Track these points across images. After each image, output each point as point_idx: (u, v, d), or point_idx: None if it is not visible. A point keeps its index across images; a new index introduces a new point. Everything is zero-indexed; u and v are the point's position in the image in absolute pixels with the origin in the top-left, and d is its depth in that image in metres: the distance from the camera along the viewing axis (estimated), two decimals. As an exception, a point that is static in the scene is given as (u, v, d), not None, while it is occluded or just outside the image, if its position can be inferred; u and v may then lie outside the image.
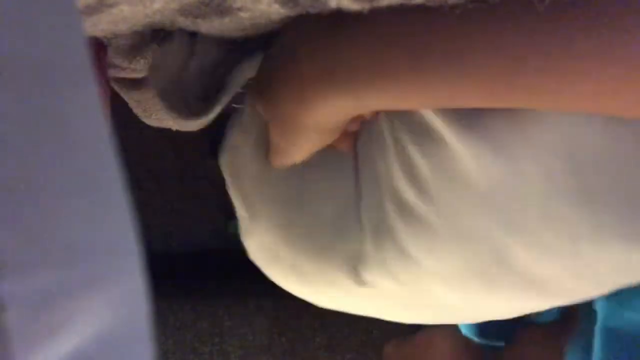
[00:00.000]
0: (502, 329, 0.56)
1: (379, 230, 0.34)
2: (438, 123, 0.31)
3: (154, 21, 0.36)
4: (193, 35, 0.40)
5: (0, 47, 0.14)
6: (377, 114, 0.35)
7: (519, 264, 0.32)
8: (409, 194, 0.33)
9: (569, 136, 0.29)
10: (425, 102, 0.30)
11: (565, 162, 0.29)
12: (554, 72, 0.27)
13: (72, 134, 0.16)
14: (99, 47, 0.41)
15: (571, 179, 0.29)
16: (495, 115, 0.30)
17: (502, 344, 0.56)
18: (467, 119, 0.30)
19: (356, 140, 0.36)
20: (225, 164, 0.41)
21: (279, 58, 0.35)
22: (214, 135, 0.83)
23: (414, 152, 0.32)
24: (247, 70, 0.40)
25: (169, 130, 0.57)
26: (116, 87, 0.52)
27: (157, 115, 0.54)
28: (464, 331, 0.58)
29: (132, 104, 0.55)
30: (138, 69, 0.45)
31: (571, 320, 0.46)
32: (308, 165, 0.36)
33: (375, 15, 0.30)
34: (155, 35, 0.41)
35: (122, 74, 0.48)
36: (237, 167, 0.39)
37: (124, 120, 0.50)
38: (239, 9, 0.33)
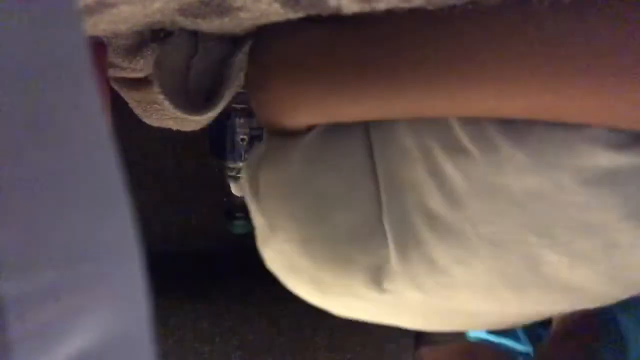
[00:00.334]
0: (531, 334, 0.56)
1: (404, 241, 0.34)
2: (472, 134, 0.32)
3: (154, 21, 0.36)
4: (195, 34, 0.40)
5: (0, 47, 0.14)
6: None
7: (551, 271, 0.33)
8: (440, 205, 0.33)
9: (614, 153, 0.29)
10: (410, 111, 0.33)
11: (605, 172, 0.29)
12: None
13: (73, 134, 0.15)
14: (99, 46, 0.41)
15: (610, 189, 0.30)
16: (535, 124, 0.30)
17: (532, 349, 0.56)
18: (507, 128, 0.31)
19: (371, 151, 0.36)
20: (246, 178, 0.41)
21: (255, 75, 0.38)
22: (214, 135, 0.83)
23: (446, 163, 0.32)
24: (244, 59, 0.41)
25: (169, 130, 0.57)
26: (116, 87, 0.52)
27: (157, 115, 0.54)
28: (495, 340, 0.58)
29: (132, 104, 0.55)
30: (138, 68, 0.45)
31: (589, 318, 0.46)
32: (325, 177, 0.36)
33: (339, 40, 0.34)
34: (155, 35, 0.41)
35: (122, 74, 0.48)
36: (257, 181, 0.39)
37: (124, 120, 0.50)
38: (239, 9, 0.33)
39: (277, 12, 0.33)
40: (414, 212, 0.34)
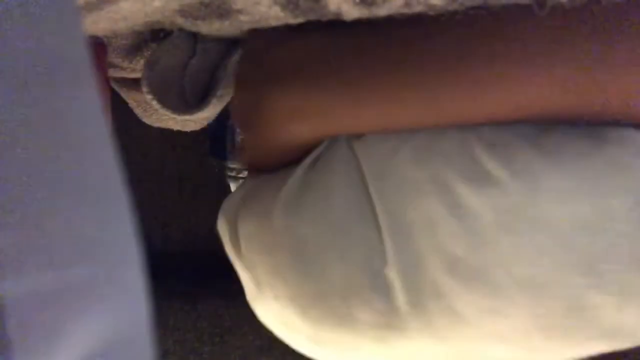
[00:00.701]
0: None
1: (419, 293, 0.29)
2: (500, 158, 0.28)
3: (154, 20, 0.36)
4: (194, 34, 0.40)
5: (1, 45, 0.14)
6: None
7: (596, 314, 0.28)
8: (463, 247, 0.28)
9: None
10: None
11: None
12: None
13: (73, 133, 0.15)
14: (99, 46, 0.41)
15: None
16: (571, 141, 0.27)
17: None
18: (541, 148, 0.27)
19: (366, 188, 0.31)
20: (223, 228, 0.37)
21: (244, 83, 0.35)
22: (214, 136, 0.83)
23: (468, 195, 0.28)
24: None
25: (169, 130, 0.57)
26: (116, 87, 0.52)
27: (157, 115, 0.54)
28: None
29: (132, 104, 0.55)
30: (138, 68, 0.45)
31: None
32: (311, 224, 0.31)
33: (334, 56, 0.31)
34: (155, 35, 0.41)
35: (122, 74, 0.48)
36: (236, 232, 0.35)
37: (124, 120, 0.50)
38: (239, 12, 0.33)
39: (276, 16, 0.33)
40: (428, 257, 0.28)
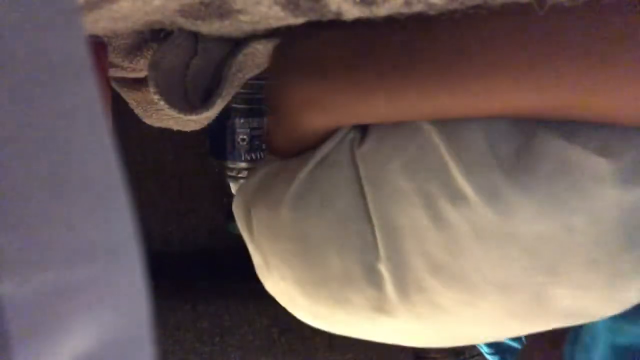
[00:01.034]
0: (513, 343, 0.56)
1: (406, 286, 0.34)
2: (476, 183, 0.31)
3: (154, 20, 0.36)
4: (195, 34, 0.39)
5: (1, 45, 0.14)
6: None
7: (556, 302, 0.33)
8: (444, 253, 0.32)
9: (620, 190, 0.30)
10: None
11: (613, 210, 0.30)
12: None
13: (72, 133, 0.15)
14: (99, 46, 0.41)
15: (617, 225, 0.30)
16: (540, 168, 0.30)
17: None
18: (512, 175, 0.31)
19: (363, 192, 0.34)
20: (239, 211, 0.41)
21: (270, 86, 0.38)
22: (214, 135, 0.83)
23: (449, 211, 0.31)
24: (243, 61, 0.40)
25: (169, 130, 0.57)
26: (116, 87, 0.52)
27: (157, 115, 0.54)
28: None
29: (132, 104, 0.55)
30: (138, 68, 0.45)
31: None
32: (314, 219, 0.35)
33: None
34: (155, 35, 0.41)
35: (123, 74, 0.48)
36: (249, 216, 0.39)
37: (124, 120, 0.50)
38: (239, 12, 0.33)
39: (277, 16, 0.33)
40: (415, 258, 0.33)
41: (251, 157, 0.79)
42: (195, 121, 0.55)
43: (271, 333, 1.03)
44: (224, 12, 0.33)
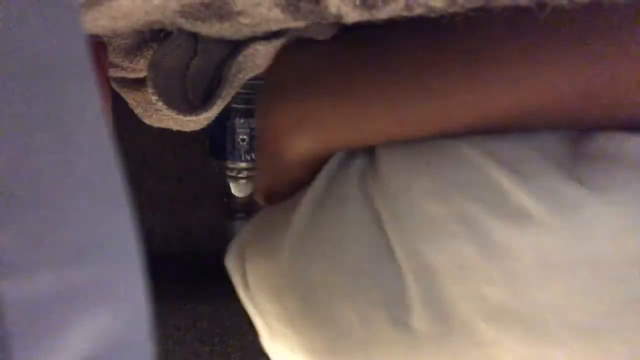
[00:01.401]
0: None
1: (450, 340, 0.26)
2: (536, 191, 0.25)
3: (154, 20, 0.36)
4: (194, 34, 0.40)
5: (1, 44, 0.14)
6: None
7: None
8: (503, 291, 0.25)
9: None
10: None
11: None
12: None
13: (73, 133, 0.15)
14: (99, 46, 0.41)
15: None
16: (614, 168, 0.26)
17: None
18: (583, 177, 0.25)
19: (381, 227, 0.28)
20: (233, 266, 0.35)
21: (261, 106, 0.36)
22: (214, 136, 0.83)
23: (507, 236, 0.24)
24: (243, 62, 0.40)
25: (169, 130, 0.57)
26: (116, 87, 0.52)
27: (157, 116, 0.54)
28: None
29: (132, 104, 0.55)
30: (138, 68, 0.45)
31: None
32: (321, 265, 0.29)
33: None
34: (156, 35, 0.41)
35: (123, 74, 0.48)
36: (244, 271, 0.34)
37: (124, 120, 0.50)
38: (239, 14, 0.33)
39: (277, 18, 0.32)
40: (461, 304, 0.25)
41: (251, 157, 0.79)
42: (195, 121, 0.54)
43: (271, 333, 1.03)
44: (224, 14, 0.33)
